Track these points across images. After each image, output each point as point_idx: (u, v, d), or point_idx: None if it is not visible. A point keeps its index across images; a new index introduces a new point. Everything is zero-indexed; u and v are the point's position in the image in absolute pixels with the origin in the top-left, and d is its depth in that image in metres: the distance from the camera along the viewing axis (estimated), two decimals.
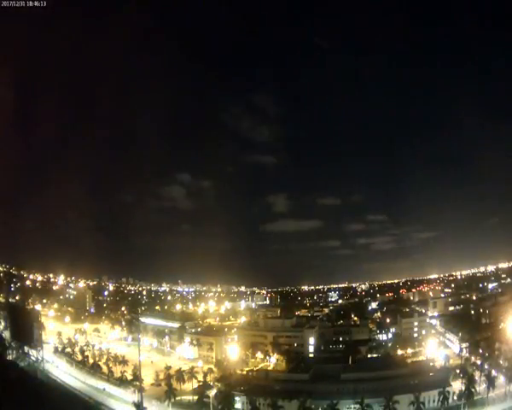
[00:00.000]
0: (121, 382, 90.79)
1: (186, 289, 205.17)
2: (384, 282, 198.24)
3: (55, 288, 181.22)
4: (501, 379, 75.45)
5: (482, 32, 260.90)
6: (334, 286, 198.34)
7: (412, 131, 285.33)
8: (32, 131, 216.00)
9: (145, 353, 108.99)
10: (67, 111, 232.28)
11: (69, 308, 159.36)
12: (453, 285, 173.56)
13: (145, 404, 75.21)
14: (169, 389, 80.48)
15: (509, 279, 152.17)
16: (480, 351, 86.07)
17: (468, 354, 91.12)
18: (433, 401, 70.38)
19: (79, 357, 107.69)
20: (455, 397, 71.57)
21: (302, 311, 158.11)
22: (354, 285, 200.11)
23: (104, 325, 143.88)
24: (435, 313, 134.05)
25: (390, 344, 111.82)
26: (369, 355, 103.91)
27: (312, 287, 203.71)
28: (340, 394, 72.30)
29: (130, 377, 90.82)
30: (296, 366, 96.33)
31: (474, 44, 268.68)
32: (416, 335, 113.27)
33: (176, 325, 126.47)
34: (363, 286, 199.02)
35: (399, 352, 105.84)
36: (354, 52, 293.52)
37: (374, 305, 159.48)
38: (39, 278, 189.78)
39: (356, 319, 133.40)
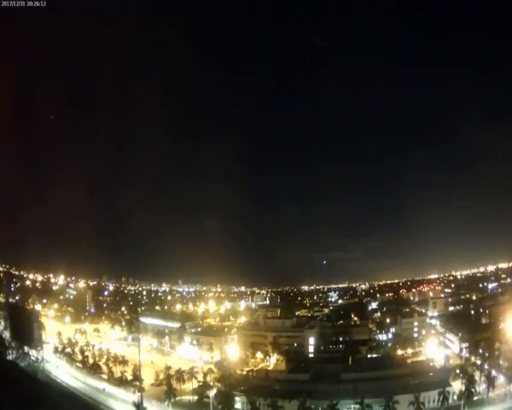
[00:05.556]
0: (121, 382, 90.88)
1: (186, 289, 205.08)
2: (384, 282, 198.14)
3: (55, 288, 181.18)
4: (501, 379, 75.52)
5: (484, 33, 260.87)
6: (334, 286, 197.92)
7: (412, 133, 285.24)
8: (33, 132, 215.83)
9: (145, 353, 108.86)
10: (67, 111, 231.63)
11: (69, 308, 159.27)
12: (453, 285, 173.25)
13: (145, 404, 75.18)
14: (169, 389, 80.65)
15: (509, 279, 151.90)
16: (480, 351, 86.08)
17: (468, 354, 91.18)
18: (433, 401, 70.50)
19: (79, 357, 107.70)
20: (455, 397, 71.70)
21: (302, 311, 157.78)
22: (354, 285, 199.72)
23: (104, 325, 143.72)
24: (435, 313, 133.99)
25: (390, 344, 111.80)
26: (369, 355, 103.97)
27: (312, 287, 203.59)
28: (340, 394, 72.32)
29: (130, 378, 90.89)
30: (296, 366, 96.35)
31: (475, 45, 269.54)
32: (416, 335, 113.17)
33: (176, 325, 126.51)
34: (363, 286, 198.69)
35: (399, 352, 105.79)
36: (353, 53, 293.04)
37: (374, 305, 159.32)
38: (39, 278, 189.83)
39: (356, 319, 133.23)
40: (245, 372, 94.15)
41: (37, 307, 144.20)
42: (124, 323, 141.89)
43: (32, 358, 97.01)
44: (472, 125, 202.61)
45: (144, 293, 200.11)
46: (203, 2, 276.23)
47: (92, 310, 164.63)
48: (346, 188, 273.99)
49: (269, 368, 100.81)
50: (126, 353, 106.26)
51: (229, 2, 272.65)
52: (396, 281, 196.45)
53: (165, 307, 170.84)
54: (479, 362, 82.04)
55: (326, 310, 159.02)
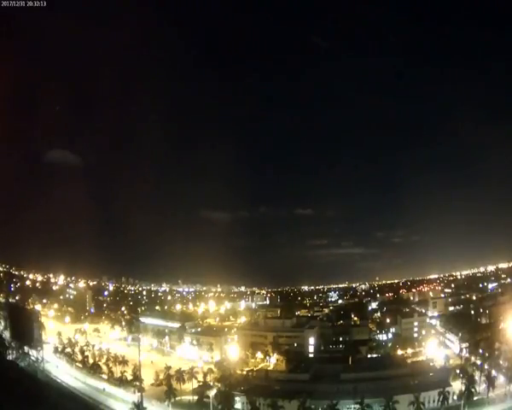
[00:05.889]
0: (121, 382, 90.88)
1: (186, 289, 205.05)
2: (384, 282, 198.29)
3: (55, 288, 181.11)
4: (501, 379, 75.52)
5: (483, 33, 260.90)
6: (334, 286, 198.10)
7: (412, 133, 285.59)
8: (32, 131, 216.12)
9: (145, 353, 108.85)
10: (67, 110, 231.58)
11: (69, 308, 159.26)
12: (453, 285, 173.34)
13: (145, 404, 75.18)
14: (169, 389, 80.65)
15: (509, 279, 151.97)
16: (480, 351, 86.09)
17: (468, 354, 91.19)
18: (433, 401, 70.53)
19: (79, 357, 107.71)
20: (455, 397, 71.71)
21: (302, 311, 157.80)
22: (354, 285, 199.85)
23: (104, 325, 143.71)
24: (435, 313, 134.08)
25: (390, 344, 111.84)
26: (369, 355, 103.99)
27: (312, 287, 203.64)
28: (340, 394, 72.38)
29: (130, 378, 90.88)
30: (296, 366, 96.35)
31: (474, 45, 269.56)
32: (416, 335, 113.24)
33: (176, 325, 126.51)
34: (363, 286, 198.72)
35: (399, 352, 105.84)
36: (353, 53, 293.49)
37: (374, 305, 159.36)
38: (39, 278, 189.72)
39: (356, 319, 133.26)
40: (245, 372, 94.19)
41: (37, 307, 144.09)
42: (124, 323, 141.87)
43: (32, 358, 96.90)
44: (472, 125, 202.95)
45: (144, 293, 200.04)
46: (203, 2, 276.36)
47: (92, 310, 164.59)
48: (345, 188, 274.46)
49: (269, 368, 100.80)
50: (126, 353, 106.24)
51: (229, 1, 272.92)
52: (396, 281, 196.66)
53: (165, 307, 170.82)
54: (479, 362, 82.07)
55: (326, 310, 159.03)
